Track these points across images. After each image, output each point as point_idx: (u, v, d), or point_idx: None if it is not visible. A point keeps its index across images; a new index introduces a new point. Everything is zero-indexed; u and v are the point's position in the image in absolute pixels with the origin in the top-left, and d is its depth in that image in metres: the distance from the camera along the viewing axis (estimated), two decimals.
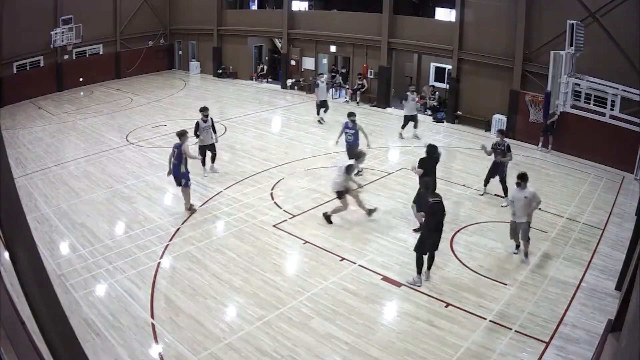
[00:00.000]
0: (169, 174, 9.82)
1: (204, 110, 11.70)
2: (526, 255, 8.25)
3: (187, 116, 17.55)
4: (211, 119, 11.82)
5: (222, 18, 25.17)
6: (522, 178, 7.93)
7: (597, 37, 12.88)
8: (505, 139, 10.56)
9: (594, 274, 7.91)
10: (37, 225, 9.19)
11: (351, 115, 11.62)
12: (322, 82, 16.83)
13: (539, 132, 14.61)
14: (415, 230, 8.91)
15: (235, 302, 7.04)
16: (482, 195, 10.88)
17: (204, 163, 11.91)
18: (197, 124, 11.60)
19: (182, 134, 9.64)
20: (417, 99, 15.22)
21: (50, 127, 16.45)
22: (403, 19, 18.90)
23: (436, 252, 7.60)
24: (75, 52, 22.74)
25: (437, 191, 8.01)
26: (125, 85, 23.66)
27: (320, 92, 16.71)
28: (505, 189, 10.38)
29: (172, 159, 9.63)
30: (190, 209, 9.90)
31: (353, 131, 11.43)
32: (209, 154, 11.93)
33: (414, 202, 9.16)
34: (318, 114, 16.88)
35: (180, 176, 9.63)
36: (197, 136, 11.61)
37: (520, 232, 8.13)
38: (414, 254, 7.58)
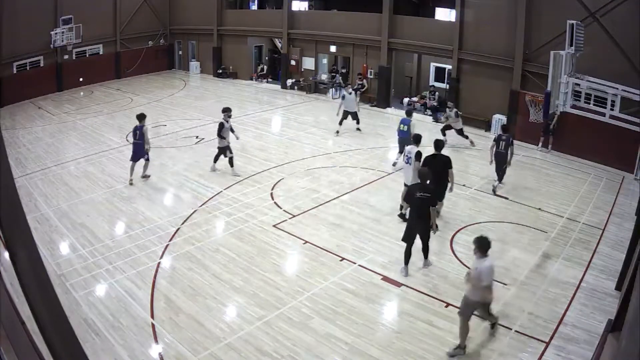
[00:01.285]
0: (134, 153, 11.30)
1: (227, 110, 11.74)
2: (493, 325, 6.36)
3: (187, 116, 17.57)
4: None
5: (222, 18, 25.17)
6: (480, 244, 5.78)
7: (597, 37, 12.88)
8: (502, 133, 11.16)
9: (594, 274, 7.91)
10: (37, 225, 9.19)
11: (410, 112, 12.46)
12: (350, 93, 15.53)
13: (539, 132, 14.61)
14: (400, 216, 9.49)
15: (235, 302, 7.04)
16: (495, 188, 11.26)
17: (215, 160, 12.03)
18: (222, 124, 11.54)
19: (141, 117, 11.27)
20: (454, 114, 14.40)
21: (50, 127, 16.45)
22: (403, 19, 18.91)
23: (437, 252, 7.59)
24: (75, 52, 22.74)
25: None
26: (125, 85, 23.66)
27: (349, 103, 15.28)
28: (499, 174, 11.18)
29: (134, 140, 11.21)
30: (144, 177, 11.55)
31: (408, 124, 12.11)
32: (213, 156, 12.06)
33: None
34: (340, 124, 15.40)
35: (143, 153, 11.23)
36: (222, 137, 11.53)
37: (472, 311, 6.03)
38: (415, 254, 7.64)
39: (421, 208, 7.44)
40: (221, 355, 5.93)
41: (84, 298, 6.98)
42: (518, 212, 10.16)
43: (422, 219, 7.51)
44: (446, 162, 8.97)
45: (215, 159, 12.05)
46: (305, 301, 7.03)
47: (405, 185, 9.52)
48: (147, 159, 11.37)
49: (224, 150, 11.77)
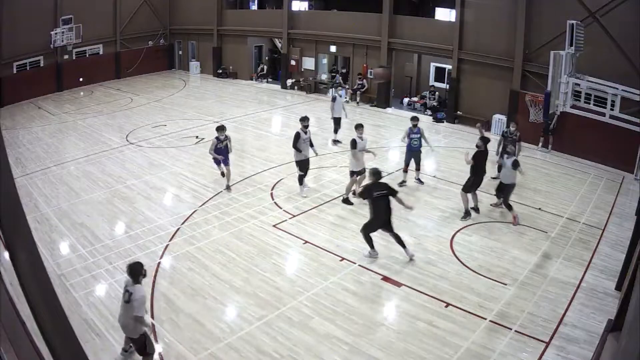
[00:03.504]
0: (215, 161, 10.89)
1: (305, 119, 10.52)
2: None
3: (187, 116, 17.57)
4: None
5: (222, 18, 25.18)
6: (130, 271, 5.31)
7: (597, 37, 12.88)
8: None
9: (594, 274, 7.90)
10: (37, 225, 9.19)
11: (414, 119, 11.10)
12: (341, 95, 14.04)
13: (539, 132, 14.61)
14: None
15: (235, 302, 7.04)
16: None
17: (301, 181, 10.62)
18: (298, 134, 10.20)
19: (220, 129, 10.71)
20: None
21: (50, 127, 16.45)
22: (403, 19, 18.91)
23: (437, 252, 7.59)
24: (75, 52, 22.75)
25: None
26: (125, 85, 23.66)
27: (338, 107, 14.28)
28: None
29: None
30: (226, 181, 10.96)
31: (418, 135, 11.04)
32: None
33: (463, 190, 9.87)
34: (335, 132, 14.52)
35: (214, 161, 10.81)
36: (298, 150, 10.22)
37: None
38: (414, 254, 7.82)
39: (381, 204, 7.83)
40: (221, 355, 5.93)
41: (84, 298, 6.98)
42: (518, 212, 10.15)
43: (383, 214, 7.86)
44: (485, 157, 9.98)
45: (300, 180, 10.66)
46: (305, 301, 7.03)
47: (351, 172, 10.25)
48: (219, 165, 10.87)
49: (307, 162, 10.60)
